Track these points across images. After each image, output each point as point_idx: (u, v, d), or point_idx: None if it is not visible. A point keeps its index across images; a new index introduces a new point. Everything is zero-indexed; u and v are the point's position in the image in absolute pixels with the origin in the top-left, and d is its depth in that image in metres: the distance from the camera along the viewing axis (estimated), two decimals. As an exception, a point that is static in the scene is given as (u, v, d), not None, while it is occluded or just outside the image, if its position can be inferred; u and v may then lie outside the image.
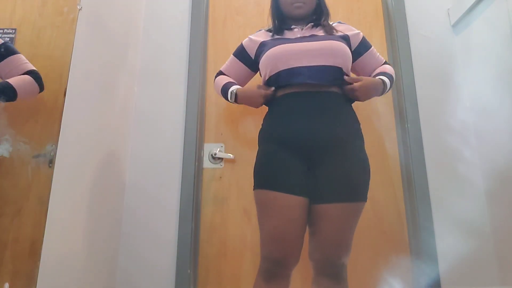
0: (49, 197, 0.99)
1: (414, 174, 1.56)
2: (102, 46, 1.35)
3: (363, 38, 1.31)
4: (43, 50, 1.08)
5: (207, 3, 1.83)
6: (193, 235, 1.53)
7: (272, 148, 1.14)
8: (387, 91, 1.28)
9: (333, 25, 1.30)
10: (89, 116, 1.25)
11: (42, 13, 1.11)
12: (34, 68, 1.01)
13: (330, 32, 1.25)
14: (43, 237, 0.96)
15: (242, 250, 1.54)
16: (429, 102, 1.65)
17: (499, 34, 1.44)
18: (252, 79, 1.44)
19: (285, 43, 1.20)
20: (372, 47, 1.33)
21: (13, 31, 1.05)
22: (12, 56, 0.99)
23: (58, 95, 1.06)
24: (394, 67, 1.47)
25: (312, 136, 1.10)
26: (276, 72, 1.18)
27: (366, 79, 1.21)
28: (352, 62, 1.24)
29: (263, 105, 1.27)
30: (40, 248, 0.95)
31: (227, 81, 1.36)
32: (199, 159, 1.63)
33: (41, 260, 0.94)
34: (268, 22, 1.37)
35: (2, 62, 0.98)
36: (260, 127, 1.25)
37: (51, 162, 1.00)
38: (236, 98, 1.29)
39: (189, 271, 1.48)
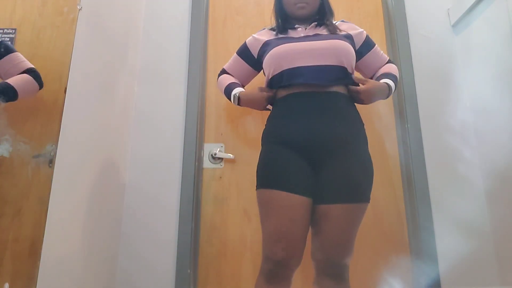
0: (49, 197, 0.99)
1: (414, 174, 1.56)
2: (102, 46, 1.35)
3: (367, 36, 1.31)
4: (43, 50, 1.08)
5: (207, 3, 1.83)
6: (193, 235, 1.53)
7: (276, 148, 1.14)
8: (392, 94, 1.28)
9: (336, 24, 1.30)
10: (89, 116, 1.25)
11: (42, 13, 1.11)
12: (32, 66, 1.01)
13: (333, 31, 1.24)
14: (43, 237, 0.96)
15: (242, 250, 1.54)
16: (429, 102, 1.65)
17: (499, 34, 1.44)
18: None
19: (289, 43, 1.20)
20: (376, 45, 1.33)
21: (13, 31, 1.05)
22: (10, 54, 0.99)
23: (58, 95, 1.06)
24: (394, 67, 1.47)
25: (315, 136, 1.10)
26: (279, 71, 1.18)
27: (371, 82, 1.21)
28: (356, 61, 1.24)
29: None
30: (40, 248, 0.95)
31: (230, 82, 1.37)
32: (199, 159, 1.63)
33: (41, 260, 0.94)
34: (271, 21, 1.37)
35: (1, 60, 0.98)
36: (261, 127, 1.25)
37: (51, 162, 1.00)
38: (239, 101, 1.30)
39: (189, 271, 1.48)
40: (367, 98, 1.19)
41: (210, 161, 1.64)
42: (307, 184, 1.08)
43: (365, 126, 1.20)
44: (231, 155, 1.62)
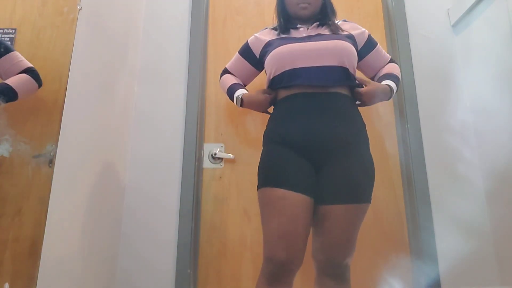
0: (49, 197, 0.99)
1: (414, 174, 1.56)
2: (102, 46, 1.35)
3: (369, 36, 1.31)
4: (43, 50, 1.08)
5: (207, 3, 1.83)
6: (193, 235, 1.53)
7: (278, 148, 1.14)
8: (394, 95, 1.28)
9: (338, 23, 1.30)
10: (89, 116, 1.25)
11: (42, 13, 1.10)
12: (31, 65, 1.02)
13: (335, 31, 1.24)
14: (43, 237, 0.96)
15: (242, 250, 1.54)
16: (429, 102, 1.65)
17: (499, 34, 1.44)
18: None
19: (291, 43, 1.20)
20: (378, 44, 1.34)
21: (13, 31, 1.05)
22: (9, 53, 1.00)
23: (58, 95, 1.06)
24: (394, 67, 1.47)
25: (317, 137, 1.10)
26: (281, 72, 1.18)
27: (373, 84, 1.22)
28: (358, 61, 1.24)
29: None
30: (40, 248, 0.95)
31: (233, 83, 1.37)
32: (199, 159, 1.63)
33: (41, 260, 0.94)
34: (273, 20, 1.37)
35: (0, 60, 0.99)
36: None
37: (51, 162, 1.00)
38: (242, 103, 1.30)
39: (189, 271, 1.48)
40: (368, 100, 1.20)
41: (210, 161, 1.64)
42: (308, 184, 1.08)
43: (365, 126, 1.20)
44: (231, 155, 1.62)
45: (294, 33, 1.27)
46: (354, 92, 1.20)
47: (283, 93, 1.20)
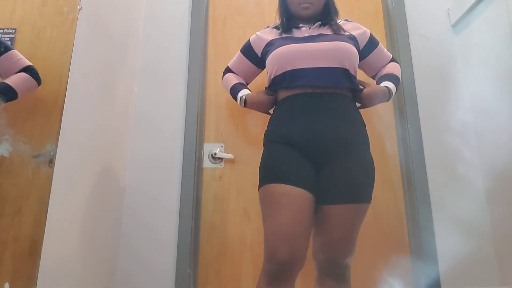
0: (49, 197, 0.98)
1: (414, 174, 1.56)
2: (102, 46, 1.35)
3: (371, 36, 1.31)
4: (43, 50, 1.08)
5: (207, 3, 1.83)
6: (193, 235, 1.53)
7: (279, 146, 1.13)
8: (393, 96, 1.28)
9: (340, 23, 1.30)
10: (89, 116, 1.25)
11: (42, 13, 1.10)
12: (30, 64, 1.02)
13: (337, 31, 1.24)
14: (43, 237, 0.96)
15: (242, 250, 1.54)
16: (429, 102, 1.65)
17: (499, 34, 1.44)
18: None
19: (292, 43, 1.19)
20: (379, 44, 1.34)
21: (13, 31, 1.05)
22: (8, 52, 1.01)
23: (58, 95, 1.06)
24: (394, 67, 1.47)
25: (317, 137, 1.10)
26: (281, 72, 1.18)
27: (372, 87, 1.23)
28: (360, 61, 1.24)
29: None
30: (40, 248, 0.95)
31: (236, 82, 1.38)
32: (199, 159, 1.63)
33: (41, 260, 0.94)
34: (275, 19, 1.37)
35: (0, 57, 0.99)
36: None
37: (51, 162, 1.00)
38: (245, 104, 1.31)
39: (189, 271, 1.48)
40: (368, 102, 1.22)
41: (210, 161, 1.64)
42: (310, 182, 1.07)
43: (366, 126, 1.20)
44: (231, 155, 1.62)
45: (296, 33, 1.27)
46: (354, 93, 1.21)
47: (283, 94, 1.20)
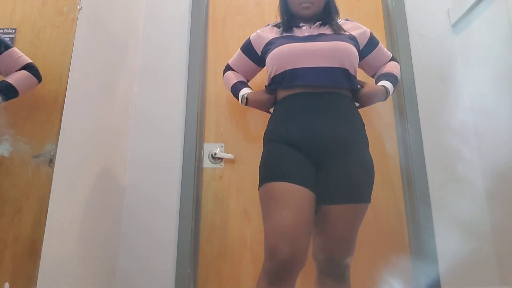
0: (49, 197, 0.99)
1: (414, 174, 1.56)
2: (102, 46, 1.35)
3: (371, 35, 1.31)
4: (43, 50, 1.08)
5: (207, 3, 1.83)
6: (193, 235, 1.53)
7: (279, 145, 1.13)
8: (391, 95, 1.28)
9: (340, 22, 1.30)
10: (89, 116, 1.25)
11: (42, 13, 1.11)
12: (30, 61, 1.03)
13: (338, 31, 1.24)
14: (43, 237, 0.96)
15: (242, 250, 1.54)
16: (429, 102, 1.65)
17: (499, 34, 1.44)
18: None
19: (292, 42, 1.19)
20: (379, 43, 1.34)
21: (13, 31, 1.05)
22: (8, 50, 1.01)
23: (58, 95, 1.06)
24: (394, 67, 1.47)
25: (317, 137, 1.10)
26: (281, 71, 1.18)
27: (369, 86, 1.23)
28: (359, 60, 1.24)
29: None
30: (40, 248, 0.95)
31: (237, 80, 1.39)
32: (199, 159, 1.63)
33: (41, 260, 0.94)
34: (276, 18, 1.37)
35: (0, 56, 1.00)
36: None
37: (51, 162, 1.00)
38: (247, 102, 1.32)
39: (189, 271, 1.48)
40: (365, 101, 1.23)
41: (210, 161, 1.64)
42: (311, 180, 1.07)
43: (365, 126, 1.21)
44: (231, 155, 1.62)
45: (296, 32, 1.27)
46: (354, 93, 1.21)
47: (283, 93, 1.20)
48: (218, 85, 1.70)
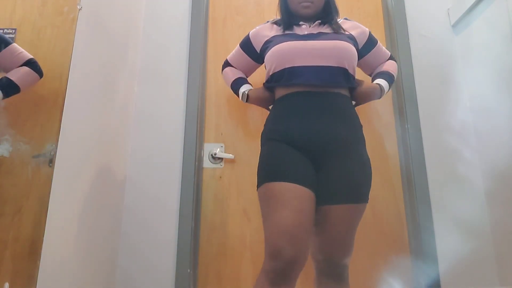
0: (49, 197, 0.98)
1: (414, 174, 1.56)
2: (102, 46, 1.35)
3: (370, 35, 1.32)
4: (43, 50, 1.08)
5: (207, 3, 1.83)
6: (193, 235, 1.53)
7: (278, 144, 1.12)
8: (386, 93, 1.29)
9: (339, 22, 1.30)
10: (89, 116, 1.25)
11: (42, 13, 1.11)
12: (31, 57, 1.04)
13: (337, 30, 1.24)
14: (43, 237, 0.96)
15: (242, 250, 1.54)
16: (429, 102, 1.65)
17: (499, 34, 1.44)
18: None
19: (292, 41, 1.19)
20: (378, 42, 1.35)
21: (13, 31, 1.05)
22: (8, 47, 1.02)
23: (58, 95, 1.06)
24: (394, 67, 1.48)
25: (316, 136, 1.10)
26: (280, 69, 1.18)
27: (364, 85, 1.24)
28: (358, 60, 1.24)
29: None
30: (40, 248, 0.95)
31: (237, 77, 1.39)
32: (199, 159, 1.63)
33: (41, 260, 0.94)
34: (276, 16, 1.37)
35: (0, 53, 1.01)
36: (261, 126, 1.24)
37: (51, 162, 1.00)
38: (247, 99, 1.32)
39: (189, 271, 1.48)
40: (360, 99, 1.24)
41: (210, 161, 1.64)
42: (311, 180, 1.07)
43: (364, 126, 1.20)
44: (231, 155, 1.62)
45: (296, 30, 1.26)
46: (351, 91, 1.22)
47: (282, 92, 1.20)
48: (218, 85, 1.70)
